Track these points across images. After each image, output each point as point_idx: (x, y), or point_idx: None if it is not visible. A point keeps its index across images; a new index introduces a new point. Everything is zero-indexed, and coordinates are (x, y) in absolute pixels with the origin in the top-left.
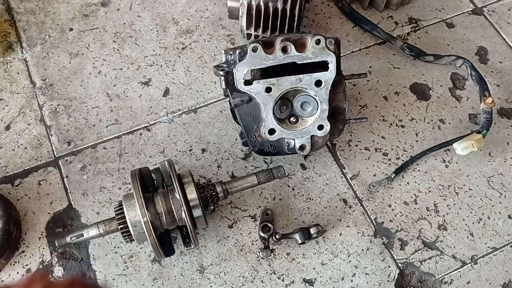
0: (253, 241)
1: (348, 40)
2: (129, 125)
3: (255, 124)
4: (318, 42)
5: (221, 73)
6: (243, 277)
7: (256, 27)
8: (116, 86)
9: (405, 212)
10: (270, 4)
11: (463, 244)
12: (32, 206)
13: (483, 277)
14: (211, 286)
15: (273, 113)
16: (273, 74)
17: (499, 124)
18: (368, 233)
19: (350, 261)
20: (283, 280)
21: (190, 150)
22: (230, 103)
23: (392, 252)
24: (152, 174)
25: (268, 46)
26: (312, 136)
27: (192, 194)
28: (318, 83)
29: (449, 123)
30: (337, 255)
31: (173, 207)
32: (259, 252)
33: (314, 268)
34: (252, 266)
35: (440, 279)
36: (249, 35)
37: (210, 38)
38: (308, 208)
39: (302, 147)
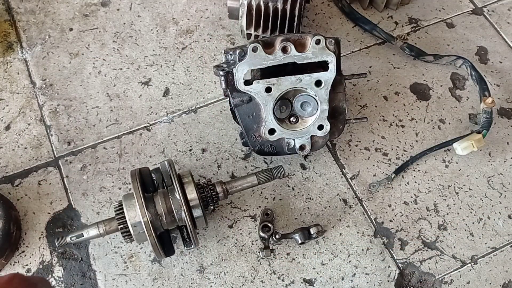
0: (253, 241)
1: (348, 40)
2: (129, 125)
3: (255, 124)
4: (318, 42)
5: (221, 73)
6: (243, 277)
7: (256, 27)
8: (116, 86)
9: (405, 212)
10: (270, 4)
11: (463, 244)
12: (32, 206)
13: (483, 277)
14: (211, 286)
15: (273, 113)
16: (273, 74)
17: (499, 124)
18: (368, 233)
19: (350, 261)
20: (283, 280)
21: (190, 150)
22: (230, 103)
23: (392, 252)
24: (152, 174)
25: (268, 46)
26: (312, 136)
27: (192, 194)
28: (318, 83)
29: (449, 123)
30: (337, 255)
31: (173, 207)
32: (259, 252)
33: (314, 268)
34: (252, 266)
35: (440, 279)
36: (249, 35)
37: (210, 38)
38: (308, 208)
39: (302, 147)
